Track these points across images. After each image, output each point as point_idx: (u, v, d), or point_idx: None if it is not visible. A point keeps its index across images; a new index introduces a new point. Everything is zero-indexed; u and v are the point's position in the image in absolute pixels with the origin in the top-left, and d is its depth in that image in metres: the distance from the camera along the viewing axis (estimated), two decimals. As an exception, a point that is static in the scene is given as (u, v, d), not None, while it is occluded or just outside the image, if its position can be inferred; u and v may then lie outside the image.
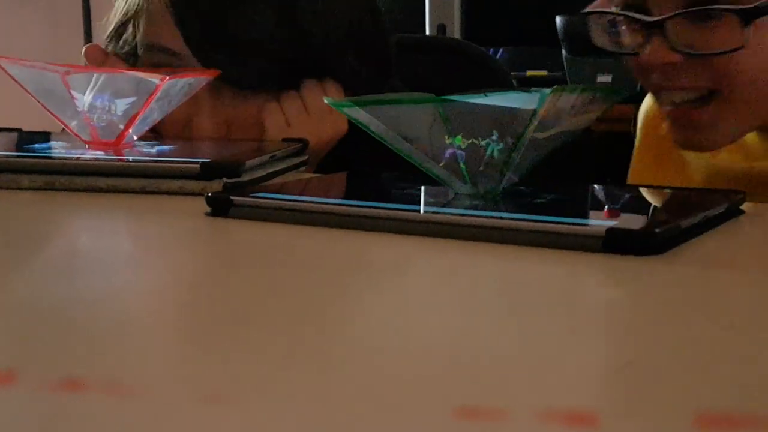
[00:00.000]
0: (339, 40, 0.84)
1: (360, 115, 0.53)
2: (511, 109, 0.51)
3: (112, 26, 0.90)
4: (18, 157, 0.65)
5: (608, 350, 0.30)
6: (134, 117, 0.70)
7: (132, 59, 0.88)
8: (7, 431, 0.23)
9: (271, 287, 0.39)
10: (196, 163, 0.61)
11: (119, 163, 0.64)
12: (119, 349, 0.29)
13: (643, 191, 0.62)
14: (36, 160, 0.64)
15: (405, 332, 0.32)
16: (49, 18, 3.19)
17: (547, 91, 0.49)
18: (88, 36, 3.21)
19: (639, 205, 0.57)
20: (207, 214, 0.53)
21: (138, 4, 0.86)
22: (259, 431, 0.23)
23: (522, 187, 0.55)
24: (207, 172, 0.61)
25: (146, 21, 0.85)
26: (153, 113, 0.72)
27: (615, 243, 0.43)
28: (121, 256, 0.47)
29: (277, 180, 0.66)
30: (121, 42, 0.88)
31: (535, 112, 0.49)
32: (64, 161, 0.64)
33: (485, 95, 0.50)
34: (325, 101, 0.55)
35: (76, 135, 0.72)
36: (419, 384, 0.26)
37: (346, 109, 0.53)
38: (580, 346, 0.30)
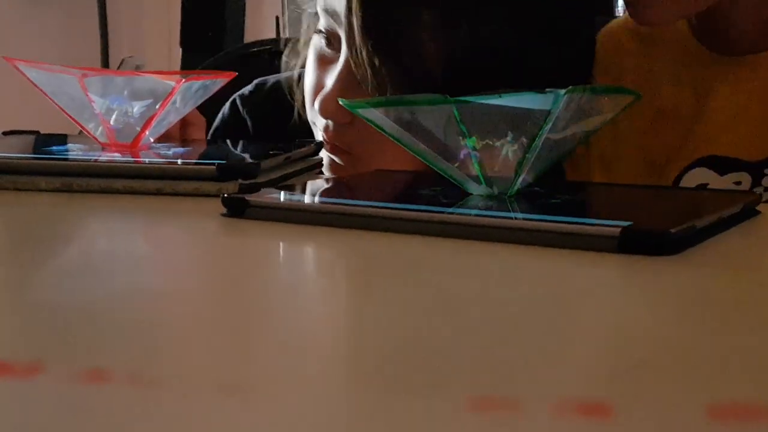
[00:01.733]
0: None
1: (374, 115, 0.53)
2: (526, 110, 0.51)
3: None
4: (35, 159, 0.66)
5: (622, 346, 0.30)
6: (151, 119, 0.71)
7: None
8: (34, 420, 0.23)
9: (286, 285, 0.39)
10: (212, 164, 0.62)
11: (136, 165, 0.65)
12: (142, 341, 0.30)
13: (658, 192, 0.62)
14: (53, 162, 0.65)
15: (419, 326, 0.32)
16: (65, 21, 3.20)
17: (562, 92, 0.49)
18: (105, 39, 3.22)
19: (654, 205, 0.57)
20: (223, 215, 0.53)
21: None
22: (279, 421, 0.23)
23: (536, 188, 0.55)
24: (223, 173, 0.61)
25: None
26: (169, 115, 0.72)
27: (630, 243, 0.43)
28: (140, 255, 0.47)
29: (293, 181, 0.66)
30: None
31: (549, 113, 0.49)
32: (81, 163, 0.64)
33: (500, 96, 0.50)
34: (340, 102, 0.55)
35: (93, 137, 0.72)
36: (434, 374, 0.26)
37: (360, 110, 0.53)
38: (594, 342, 0.30)
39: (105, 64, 3.18)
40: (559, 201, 0.53)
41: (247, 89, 1.04)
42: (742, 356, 0.29)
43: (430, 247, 0.46)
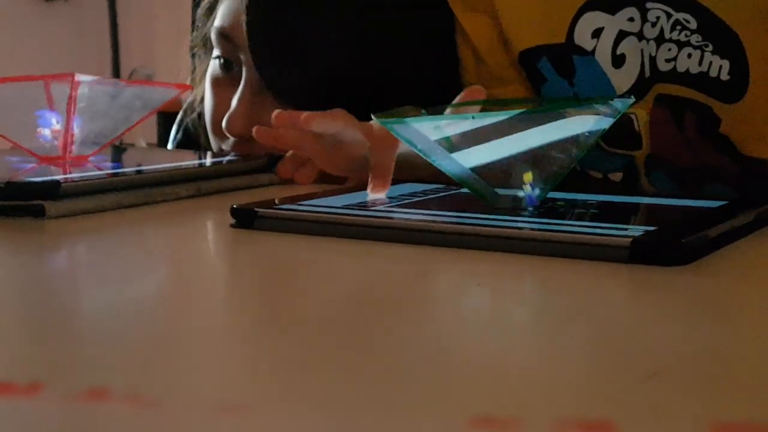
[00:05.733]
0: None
1: (407, 131, 0.52)
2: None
3: (207, 3, 0.90)
4: (101, 177, 0.66)
5: (629, 361, 0.29)
6: (67, 128, 0.69)
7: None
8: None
9: (293, 298, 0.39)
10: (262, 157, 0.74)
11: (198, 168, 0.71)
12: (143, 359, 0.30)
13: (669, 201, 0.61)
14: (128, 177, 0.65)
15: (422, 341, 0.32)
16: (76, 31, 3.21)
17: (627, 101, 0.49)
18: (115, 46, 3.23)
19: (665, 215, 0.56)
20: (232, 226, 0.53)
21: None
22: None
23: (548, 198, 0.55)
24: (274, 163, 0.74)
25: (224, 5, 0.85)
26: (100, 122, 0.71)
27: (641, 253, 0.42)
28: (147, 267, 0.47)
29: (303, 191, 0.66)
30: (209, 23, 0.89)
31: (601, 130, 0.49)
32: (156, 174, 0.66)
33: (472, 117, 0.51)
34: (373, 118, 0.54)
35: (28, 151, 0.70)
36: (436, 393, 0.26)
37: (395, 126, 0.53)
38: (600, 357, 0.30)
39: (116, 73, 3.19)
40: (570, 211, 0.53)
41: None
42: (753, 371, 0.29)
43: (439, 258, 0.45)
